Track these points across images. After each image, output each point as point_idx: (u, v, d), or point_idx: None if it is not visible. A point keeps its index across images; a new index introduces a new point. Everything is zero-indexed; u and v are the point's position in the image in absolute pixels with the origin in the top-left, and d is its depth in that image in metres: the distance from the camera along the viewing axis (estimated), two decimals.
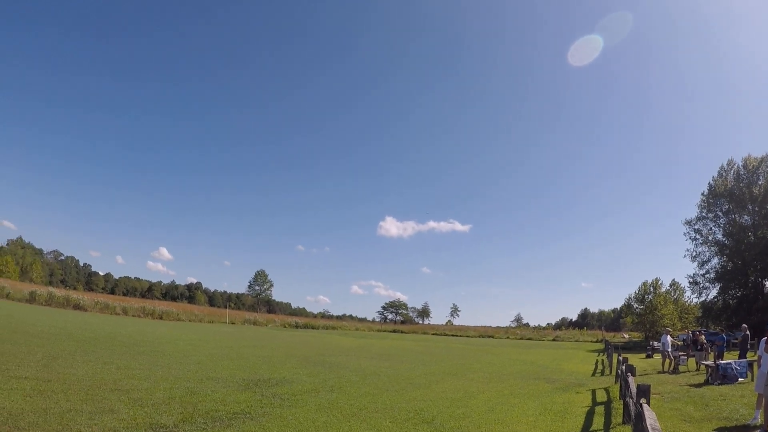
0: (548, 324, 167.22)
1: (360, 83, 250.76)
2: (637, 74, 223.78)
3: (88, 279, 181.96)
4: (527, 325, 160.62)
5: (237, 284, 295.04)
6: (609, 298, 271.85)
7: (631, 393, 9.83)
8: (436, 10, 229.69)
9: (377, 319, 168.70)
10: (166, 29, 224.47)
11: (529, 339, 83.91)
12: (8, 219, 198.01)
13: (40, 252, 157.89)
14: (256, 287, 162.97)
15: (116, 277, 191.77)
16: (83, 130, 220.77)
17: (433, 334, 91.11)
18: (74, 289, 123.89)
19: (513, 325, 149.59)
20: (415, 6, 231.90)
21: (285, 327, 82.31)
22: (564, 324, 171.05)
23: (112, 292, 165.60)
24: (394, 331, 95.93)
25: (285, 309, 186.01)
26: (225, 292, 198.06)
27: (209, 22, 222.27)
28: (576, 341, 79.15)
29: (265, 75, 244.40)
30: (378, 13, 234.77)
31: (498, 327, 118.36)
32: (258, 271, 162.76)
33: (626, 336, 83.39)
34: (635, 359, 31.49)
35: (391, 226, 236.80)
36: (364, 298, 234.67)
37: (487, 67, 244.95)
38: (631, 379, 10.99)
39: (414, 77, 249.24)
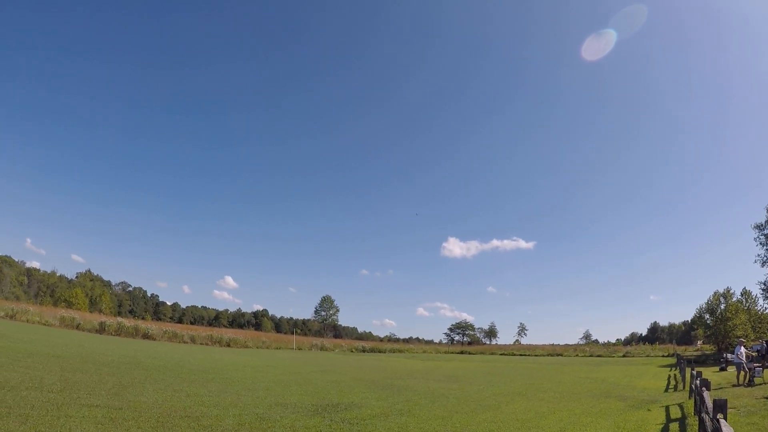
0: (617, 340, 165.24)
1: (421, 110, 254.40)
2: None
3: (155, 309, 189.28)
4: (596, 341, 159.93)
5: (303, 310, 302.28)
6: (679, 311, 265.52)
7: (706, 408, 9.93)
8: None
9: (444, 341, 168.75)
10: (247, 62, 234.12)
11: (599, 356, 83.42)
12: (77, 253, 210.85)
13: (108, 284, 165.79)
14: (322, 312, 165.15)
15: (183, 306, 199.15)
16: (144, 163, 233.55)
17: (501, 354, 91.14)
18: (143, 318, 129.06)
19: (582, 343, 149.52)
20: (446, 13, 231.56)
21: (352, 351, 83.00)
22: (634, 339, 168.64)
23: (180, 321, 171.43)
24: (462, 353, 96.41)
25: (351, 333, 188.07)
26: (291, 318, 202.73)
27: (268, 61, 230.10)
28: (647, 356, 78.72)
29: (326, 102, 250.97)
30: (444, 32, 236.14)
31: (567, 345, 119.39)
32: (324, 297, 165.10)
33: (698, 349, 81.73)
34: (709, 373, 30.47)
35: (455, 247, 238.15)
36: (430, 320, 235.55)
37: (550, 90, 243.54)
38: (706, 394, 11.13)
39: (477, 102, 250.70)
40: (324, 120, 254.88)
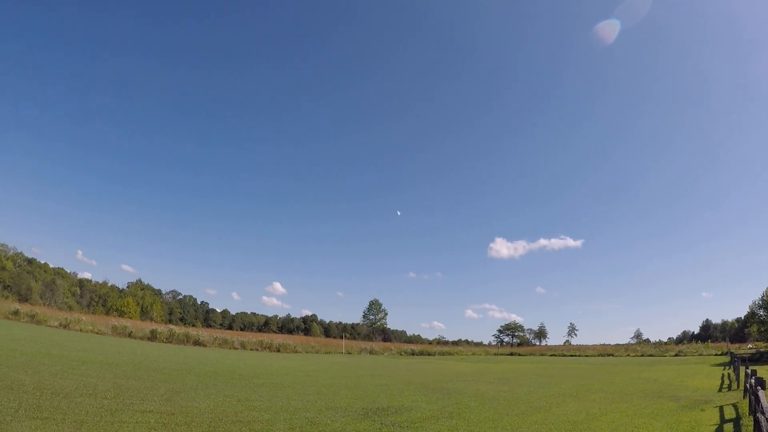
0: (669, 339, 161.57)
1: (462, 107, 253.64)
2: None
3: (206, 316, 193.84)
4: (647, 340, 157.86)
5: (351, 314, 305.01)
6: (732, 308, 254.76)
7: (762, 408, 9.91)
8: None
9: (493, 343, 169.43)
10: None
11: (650, 355, 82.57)
12: (127, 263, 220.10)
13: (159, 292, 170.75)
14: (371, 316, 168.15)
15: (233, 313, 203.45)
16: (190, 176, 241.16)
17: (550, 356, 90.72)
18: (193, 326, 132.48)
19: (633, 342, 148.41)
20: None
21: (401, 355, 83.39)
22: (686, 337, 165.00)
23: (230, 328, 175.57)
24: (511, 354, 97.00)
25: (400, 337, 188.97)
26: (340, 322, 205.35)
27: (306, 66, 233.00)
28: (699, 355, 78.18)
29: (366, 99, 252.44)
30: (483, 25, 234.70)
31: (617, 345, 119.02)
32: (372, 301, 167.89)
33: (752, 347, 79.43)
34: (764, 371, 29.19)
35: (502, 247, 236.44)
36: (479, 321, 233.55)
37: (593, 81, 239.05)
38: (761, 393, 11.04)
39: (518, 97, 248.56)
40: (366, 118, 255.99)
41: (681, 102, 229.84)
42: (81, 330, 52.40)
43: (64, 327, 52.19)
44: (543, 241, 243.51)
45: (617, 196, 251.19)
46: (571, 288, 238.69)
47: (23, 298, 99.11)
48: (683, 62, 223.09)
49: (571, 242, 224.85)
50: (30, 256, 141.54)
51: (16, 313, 52.25)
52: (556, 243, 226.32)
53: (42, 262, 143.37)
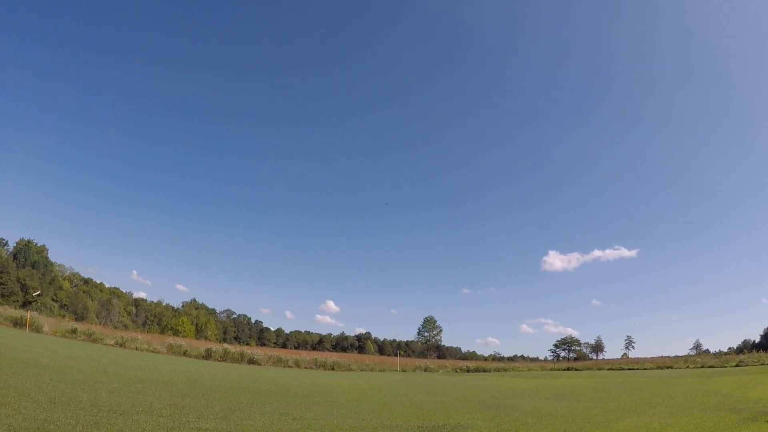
0: (729, 348, 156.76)
1: (511, 116, 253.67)
2: None
3: (260, 335, 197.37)
4: (707, 351, 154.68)
5: (405, 331, 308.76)
6: None
7: None
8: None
9: (549, 358, 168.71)
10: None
11: (711, 366, 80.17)
12: (181, 283, 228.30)
13: (213, 311, 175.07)
14: (425, 333, 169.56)
15: (287, 331, 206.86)
16: (242, 193, 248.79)
17: (608, 369, 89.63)
18: (247, 344, 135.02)
19: (692, 353, 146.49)
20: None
21: (456, 372, 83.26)
22: (746, 347, 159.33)
23: (284, 346, 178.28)
24: (568, 369, 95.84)
25: (455, 353, 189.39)
26: (394, 340, 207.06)
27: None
28: (762, 365, 74.75)
29: (413, 114, 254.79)
30: (525, 34, 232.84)
31: (676, 356, 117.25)
32: (426, 318, 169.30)
33: None
34: None
35: (555, 260, 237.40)
36: (535, 336, 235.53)
37: (646, 84, 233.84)
38: None
39: (567, 104, 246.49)
40: (413, 132, 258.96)
41: (739, 101, 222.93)
42: (137, 348, 53.91)
43: (120, 345, 53.81)
44: (597, 253, 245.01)
45: (671, 203, 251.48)
46: (627, 300, 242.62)
47: (80, 317, 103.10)
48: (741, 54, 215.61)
49: (626, 252, 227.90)
50: (86, 276, 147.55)
51: (74, 331, 54.24)
52: (610, 254, 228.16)
53: (98, 282, 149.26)
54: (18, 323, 51.97)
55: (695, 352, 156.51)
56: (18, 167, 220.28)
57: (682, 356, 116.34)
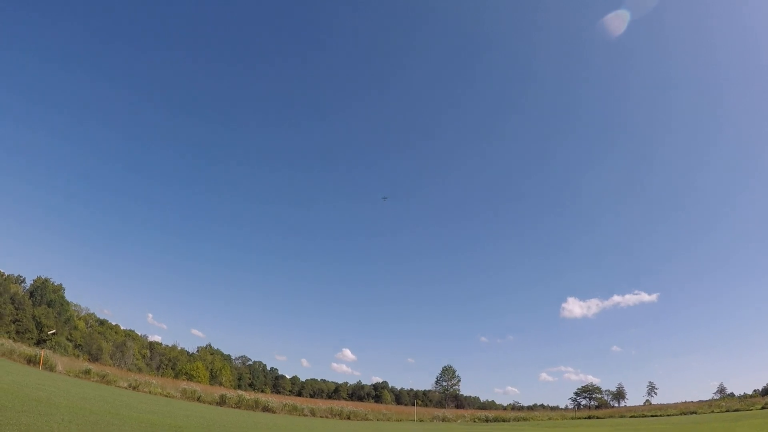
0: (755, 391, 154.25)
1: (524, 163, 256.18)
2: None
3: (275, 382, 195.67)
4: (731, 394, 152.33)
5: (423, 381, 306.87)
6: None
7: None
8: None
9: (570, 407, 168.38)
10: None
11: (736, 410, 78.46)
12: (197, 328, 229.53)
13: (228, 358, 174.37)
14: (443, 383, 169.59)
15: (302, 379, 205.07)
16: (259, 238, 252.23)
17: (630, 417, 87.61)
18: (262, 392, 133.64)
19: (716, 397, 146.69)
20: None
21: (475, 421, 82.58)
22: None
23: (299, 395, 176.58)
24: (589, 417, 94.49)
25: (473, 403, 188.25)
26: (411, 389, 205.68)
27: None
28: None
29: (430, 161, 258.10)
30: (540, 67, 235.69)
31: (700, 401, 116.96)
32: (445, 367, 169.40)
33: None
34: None
35: (574, 307, 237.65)
36: (555, 385, 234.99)
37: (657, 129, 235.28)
38: None
39: (582, 147, 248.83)
40: (429, 179, 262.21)
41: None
42: (150, 392, 53.45)
43: (134, 388, 53.37)
44: (616, 298, 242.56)
45: (690, 245, 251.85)
46: (649, 345, 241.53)
47: (94, 358, 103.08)
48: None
49: (645, 297, 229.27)
50: (102, 318, 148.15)
51: (87, 372, 54.00)
52: (630, 299, 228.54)
53: (113, 323, 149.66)
54: (32, 361, 51.95)
55: (719, 395, 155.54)
56: (39, 205, 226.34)
57: (706, 401, 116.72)
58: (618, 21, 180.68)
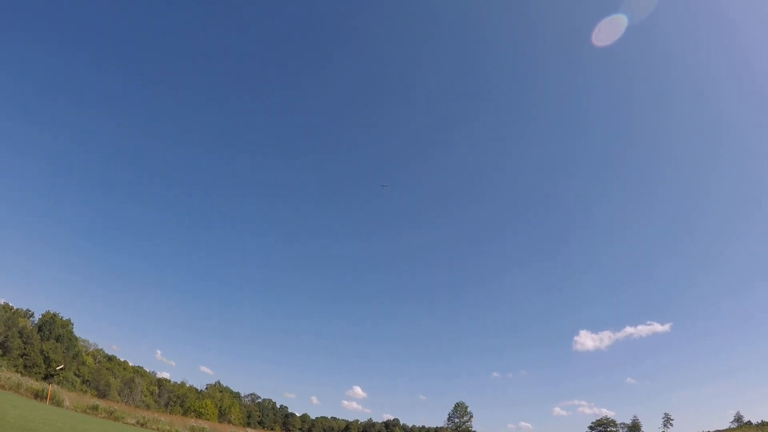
0: None
1: (534, 195, 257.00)
2: None
3: (284, 420, 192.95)
4: (749, 423, 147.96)
5: (434, 418, 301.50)
6: None
7: None
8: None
9: None
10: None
11: None
12: (205, 365, 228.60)
13: (237, 395, 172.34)
14: (456, 419, 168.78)
15: (312, 417, 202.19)
16: (270, 281, 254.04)
17: None
18: (272, 429, 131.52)
19: (733, 426, 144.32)
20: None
21: None
22: None
23: None
24: None
25: None
26: (423, 426, 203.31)
27: None
28: None
29: (436, 194, 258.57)
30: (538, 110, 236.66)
31: (717, 431, 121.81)
32: (457, 403, 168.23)
33: None
34: None
35: (587, 339, 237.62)
36: (569, 419, 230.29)
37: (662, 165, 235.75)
38: None
39: (588, 179, 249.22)
40: (437, 213, 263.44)
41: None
42: (158, 429, 52.34)
43: (142, 425, 52.27)
44: (629, 329, 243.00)
45: (702, 273, 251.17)
46: (663, 375, 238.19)
47: (101, 394, 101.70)
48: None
49: (658, 327, 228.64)
50: (110, 353, 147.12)
51: (95, 408, 52.89)
52: (642, 329, 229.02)
53: (122, 359, 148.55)
54: (39, 395, 50.97)
55: (736, 424, 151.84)
56: (48, 240, 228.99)
57: (723, 430, 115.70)
58: (614, 26, 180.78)
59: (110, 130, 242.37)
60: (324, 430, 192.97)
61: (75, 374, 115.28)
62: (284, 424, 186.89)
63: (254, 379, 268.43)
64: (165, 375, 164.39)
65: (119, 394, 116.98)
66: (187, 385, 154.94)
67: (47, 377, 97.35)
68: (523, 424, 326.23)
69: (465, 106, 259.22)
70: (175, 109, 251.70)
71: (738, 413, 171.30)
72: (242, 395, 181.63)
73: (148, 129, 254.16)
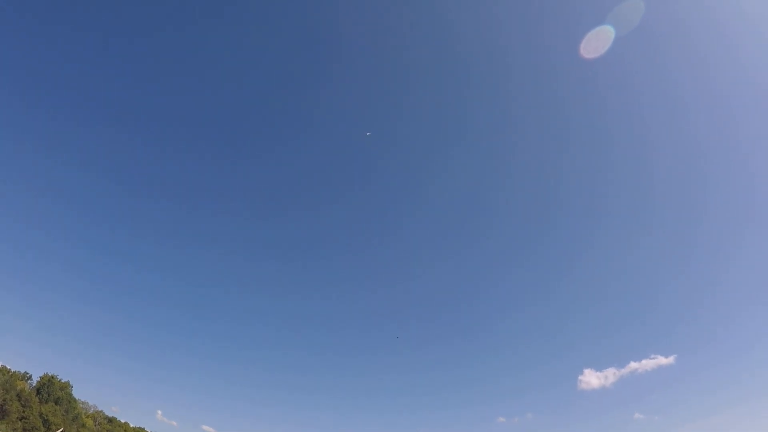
0: None
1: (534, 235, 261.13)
2: None
3: None
4: None
5: None
6: None
7: None
8: None
9: None
10: None
11: None
12: (208, 424, 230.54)
13: None
14: None
15: None
16: (269, 338, 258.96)
17: None
18: None
19: None
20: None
21: None
22: None
23: None
24: None
25: None
26: None
27: None
28: None
29: (428, 243, 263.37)
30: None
31: None
32: None
33: None
34: None
35: (591, 378, 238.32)
36: None
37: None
38: None
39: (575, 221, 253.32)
40: (433, 260, 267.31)
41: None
42: None
43: None
44: (633, 365, 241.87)
45: (701, 301, 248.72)
46: (671, 409, 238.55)
47: None
48: None
49: (663, 360, 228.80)
50: (110, 415, 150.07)
51: None
52: (647, 364, 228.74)
53: (122, 420, 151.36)
54: None
55: None
56: (46, 304, 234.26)
57: None
58: (602, 37, 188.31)
59: (109, 194, 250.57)
60: None
61: None
62: None
63: None
64: None
65: None
66: None
67: None
68: None
69: (450, 132, 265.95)
70: (180, 170, 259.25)
71: None
72: None
73: (146, 190, 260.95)
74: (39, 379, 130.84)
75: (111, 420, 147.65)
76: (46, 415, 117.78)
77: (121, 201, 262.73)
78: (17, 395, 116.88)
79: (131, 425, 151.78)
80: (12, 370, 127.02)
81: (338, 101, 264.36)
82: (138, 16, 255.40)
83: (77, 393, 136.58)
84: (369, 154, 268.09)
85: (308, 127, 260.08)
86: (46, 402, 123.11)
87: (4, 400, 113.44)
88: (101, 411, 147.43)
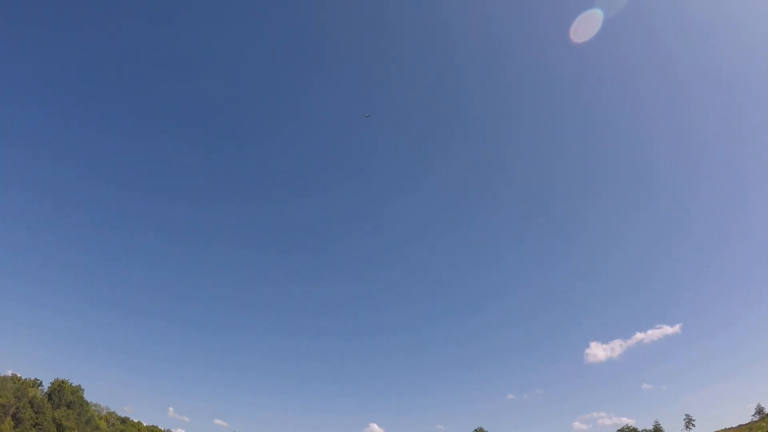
0: None
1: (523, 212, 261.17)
2: None
3: None
4: None
5: None
6: None
7: None
8: None
9: None
10: None
11: None
12: (220, 417, 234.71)
13: None
14: None
15: None
16: (281, 328, 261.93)
17: None
18: None
19: (755, 419, 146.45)
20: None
21: None
22: None
23: None
24: None
25: None
26: None
27: None
28: None
29: (422, 225, 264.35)
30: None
31: (740, 425, 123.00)
32: (476, 429, 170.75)
33: None
34: None
35: (598, 351, 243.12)
36: None
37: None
38: None
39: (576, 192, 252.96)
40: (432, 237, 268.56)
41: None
42: None
43: None
44: (639, 335, 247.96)
45: (704, 268, 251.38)
46: (679, 377, 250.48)
47: None
48: None
49: (668, 329, 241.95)
50: (123, 415, 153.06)
51: None
52: (652, 334, 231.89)
53: (135, 420, 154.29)
54: None
55: (758, 416, 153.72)
56: (53, 310, 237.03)
57: (746, 424, 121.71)
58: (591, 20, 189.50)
59: (110, 193, 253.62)
60: None
61: None
62: None
63: (270, 426, 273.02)
64: (180, 431, 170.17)
65: None
66: None
67: None
68: None
69: (445, 117, 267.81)
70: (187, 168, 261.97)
71: (759, 405, 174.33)
72: None
73: (150, 187, 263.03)
74: (50, 384, 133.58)
75: (124, 420, 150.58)
76: (60, 420, 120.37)
77: (120, 199, 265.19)
78: (29, 402, 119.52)
79: (144, 424, 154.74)
80: (22, 378, 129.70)
81: (328, 93, 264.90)
82: (135, 14, 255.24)
83: (88, 395, 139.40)
84: (365, 136, 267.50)
85: (297, 121, 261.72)
86: (59, 407, 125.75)
87: (17, 408, 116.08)
88: (113, 412, 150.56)
